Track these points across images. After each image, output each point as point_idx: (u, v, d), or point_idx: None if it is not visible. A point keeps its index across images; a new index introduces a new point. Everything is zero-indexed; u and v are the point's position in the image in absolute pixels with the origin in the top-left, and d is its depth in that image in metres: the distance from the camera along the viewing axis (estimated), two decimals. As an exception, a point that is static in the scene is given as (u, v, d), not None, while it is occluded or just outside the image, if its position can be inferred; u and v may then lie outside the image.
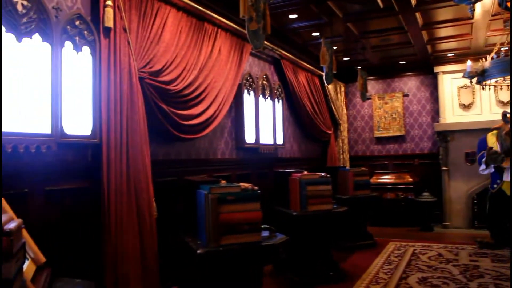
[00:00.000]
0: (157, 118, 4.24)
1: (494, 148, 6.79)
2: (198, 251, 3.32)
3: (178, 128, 4.51)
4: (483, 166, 6.88)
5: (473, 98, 9.14)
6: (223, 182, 3.95)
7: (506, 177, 6.68)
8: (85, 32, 3.60)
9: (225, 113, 5.43)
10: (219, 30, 5.35)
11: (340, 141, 9.80)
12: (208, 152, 5.48)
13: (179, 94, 4.49)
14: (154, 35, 4.20)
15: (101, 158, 3.60)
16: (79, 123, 3.55)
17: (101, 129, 3.64)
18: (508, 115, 6.83)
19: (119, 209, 3.62)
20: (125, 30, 3.83)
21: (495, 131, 7.09)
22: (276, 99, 7.21)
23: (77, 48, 3.53)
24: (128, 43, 3.85)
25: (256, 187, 3.58)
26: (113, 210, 3.58)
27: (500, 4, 3.27)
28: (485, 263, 6.07)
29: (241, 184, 3.62)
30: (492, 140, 7.04)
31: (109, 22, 3.69)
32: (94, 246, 3.55)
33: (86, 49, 3.61)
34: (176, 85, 4.43)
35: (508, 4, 3.22)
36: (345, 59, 9.05)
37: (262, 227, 3.65)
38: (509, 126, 6.72)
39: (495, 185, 6.95)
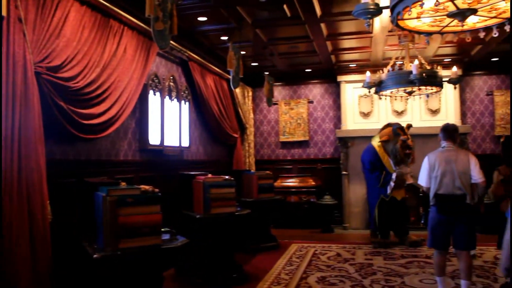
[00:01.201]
0: (55, 116, 4.02)
1: (387, 163, 7.41)
2: (94, 256, 3.19)
3: (78, 127, 4.31)
4: (391, 186, 7.36)
5: (372, 107, 9.71)
6: (123, 184, 3.83)
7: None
8: (-27, 20, 3.32)
9: (129, 113, 5.28)
10: (125, 28, 5.20)
11: (247, 144, 9.94)
12: (110, 153, 5.30)
13: (79, 92, 4.30)
14: (54, 28, 3.98)
15: (-12, 157, 3.34)
16: (-36, 118, 3.27)
17: (-11, 126, 3.38)
18: (398, 129, 7.38)
19: (8, 212, 3.39)
20: (20, 20, 3.59)
21: (379, 143, 7.59)
22: (183, 101, 7.15)
23: (-38, 36, 3.26)
24: (24, 34, 3.61)
25: (156, 190, 3.52)
26: (2, 214, 3.33)
27: (392, 21, 3.50)
28: (378, 261, 6.48)
29: (142, 186, 3.54)
30: (381, 152, 7.56)
31: (1, 10, 3.44)
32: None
33: (-27, 39, 3.34)
34: (77, 82, 4.23)
35: (399, 23, 3.46)
36: (253, 64, 9.20)
37: (163, 230, 3.60)
38: (400, 138, 7.26)
39: (389, 193, 7.45)
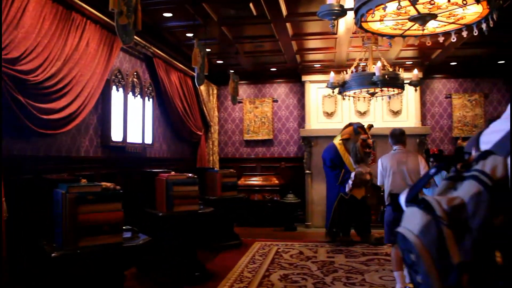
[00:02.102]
0: (12, 110, 3.89)
1: (347, 161, 7.54)
2: (53, 255, 3.13)
3: (37, 122, 4.18)
4: (350, 185, 7.48)
5: (336, 107, 9.85)
6: (84, 181, 3.76)
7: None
8: None
9: (91, 109, 5.18)
10: (88, 21, 5.08)
11: (211, 142, 9.90)
12: (71, 149, 5.17)
13: (39, 86, 4.17)
14: (11, 19, 3.84)
15: None
16: None
17: None
18: (359, 128, 7.53)
19: (-39, 209, 3.26)
20: (-25, 10, 3.46)
21: (341, 141, 7.74)
22: (147, 98, 7.05)
23: None
24: (-21, 25, 3.48)
25: (118, 187, 3.46)
26: (-46, 210, 3.21)
27: (356, 23, 3.56)
28: (340, 258, 6.59)
29: (103, 183, 3.47)
30: (342, 150, 7.70)
31: (-45, 0, 3.31)
32: None
33: None
34: (36, 76, 4.11)
35: (363, 25, 3.53)
36: (218, 62, 9.17)
37: (124, 228, 3.55)
38: (360, 137, 7.42)
39: (347, 191, 7.59)
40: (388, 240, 5.13)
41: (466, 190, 0.96)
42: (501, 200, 0.90)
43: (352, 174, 7.50)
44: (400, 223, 1.05)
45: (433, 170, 1.09)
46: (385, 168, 5.09)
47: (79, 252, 3.21)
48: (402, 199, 1.19)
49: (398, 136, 5.15)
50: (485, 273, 0.86)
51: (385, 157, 5.21)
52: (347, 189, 7.54)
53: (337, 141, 7.82)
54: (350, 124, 7.93)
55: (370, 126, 7.77)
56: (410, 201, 1.06)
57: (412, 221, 0.99)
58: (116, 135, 6.04)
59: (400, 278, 4.93)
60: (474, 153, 1.07)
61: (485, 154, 0.99)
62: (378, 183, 5.37)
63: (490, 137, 1.07)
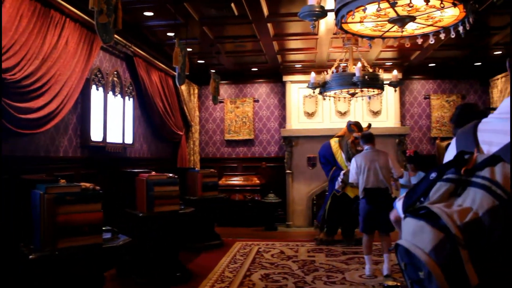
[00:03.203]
0: (-11, 109, 3.83)
1: (339, 158, 7.59)
2: (30, 257, 3.08)
3: (14, 121, 4.13)
4: (339, 183, 7.53)
5: (316, 107, 9.90)
6: (63, 181, 3.71)
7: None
8: None
9: (70, 108, 5.12)
10: (68, 19, 5.02)
11: (191, 142, 9.86)
12: (49, 149, 5.10)
13: (16, 85, 4.12)
14: (-13, 17, 3.79)
15: None
16: None
17: None
18: (352, 125, 7.58)
19: None
20: (-49, 8, 3.39)
21: (337, 139, 7.80)
22: (127, 97, 6.99)
23: None
24: (-45, 23, 3.42)
25: (98, 187, 3.43)
26: None
27: (336, 24, 3.59)
28: (320, 258, 6.63)
29: (82, 183, 3.44)
30: (335, 147, 7.75)
31: None
32: None
33: None
34: (13, 74, 4.05)
35: (344, 26, 3.56)
36: (200, 61, 9.14)
37: (104, 228, 3.52)
38: (353, 135, 7.46)
39: (337, 188, 7.62)
40: (363, 229, 5.71)
41: (477, 202, 0.88)
42: None
43: (342, 173, 7.53)
44: (400, 234, 0.96)
45: (433, 175, 1.01)
46: (359, 166, 5.69)
47: (57, 254, 3.16)
48: (399, 205, 1.10)
49: (368, 136, 5.90)
50: None
51: (358, 156, 5.86)
52: (336, 186, 7.60)
53: (333, 139, 7.87)
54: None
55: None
56: (411, 211, 0.97)
57: (420, 236, 0.90)
58: (95, 135, 5.98)
59: (369, 260, 5.64)
60: (476, 154, 0.97)
61: (493, 161, 0.90)
62: (351, 180, 5.94)
63: (491, 137, 0.98)
